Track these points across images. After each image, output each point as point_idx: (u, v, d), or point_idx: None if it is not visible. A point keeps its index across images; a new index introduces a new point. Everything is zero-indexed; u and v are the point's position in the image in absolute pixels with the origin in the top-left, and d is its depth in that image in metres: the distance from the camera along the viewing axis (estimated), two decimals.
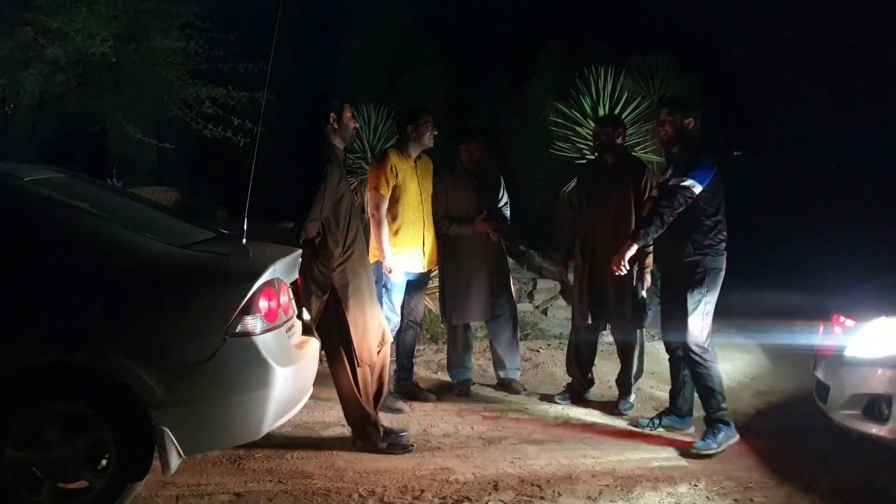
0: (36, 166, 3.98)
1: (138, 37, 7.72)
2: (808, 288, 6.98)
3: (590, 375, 5.39)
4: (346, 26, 13.69)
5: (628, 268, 4.63)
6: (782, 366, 5.97)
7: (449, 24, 12.87)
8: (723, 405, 4.44)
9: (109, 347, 3.26)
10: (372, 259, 4.90)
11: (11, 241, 3.36)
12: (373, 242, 5.00)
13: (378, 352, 4.42)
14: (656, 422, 4.79)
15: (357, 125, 4.41)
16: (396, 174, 4.98)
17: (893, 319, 4.03)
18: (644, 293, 5.11)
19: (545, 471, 4.14)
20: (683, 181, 4.32)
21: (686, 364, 4.56)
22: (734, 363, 6.13)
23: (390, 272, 4.98)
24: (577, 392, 5.34)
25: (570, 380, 5.42)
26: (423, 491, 3.85)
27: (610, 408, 5.17)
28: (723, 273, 4.48)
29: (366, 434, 4.34)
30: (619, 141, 5.14)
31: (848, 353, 4.20)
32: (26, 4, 7.24)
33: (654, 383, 5.80)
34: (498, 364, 5.58)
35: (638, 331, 5.21)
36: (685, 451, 4.40)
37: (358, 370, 4.29)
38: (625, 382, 5.23)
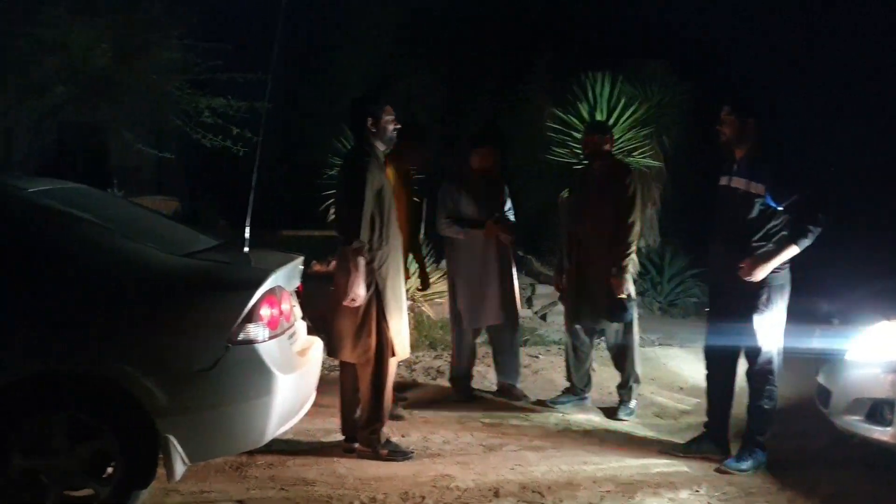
0: (38, 177, 3.99)
1: (137, 48, 7.75)
2: (810, 292, 7.01)
3: (578, 378, 5.38)
4: (341, 34, 13.73)
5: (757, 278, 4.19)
6: (784, 370, 5.97)
7: (444, 30, 12.91)
8: (768, 432, 4.29)
9: (113, 356, 3.27)
10: None
11: (14, 251, 3.37)
12: None
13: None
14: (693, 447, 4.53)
15: (398, 126, 4.43)
16: None
17: (894, 323, 4.05)
18: (630, 292, 5.12)
19: (546, 477, 4.15)
20: (808, 190, 4.11)
21: (751, 383, 4.30)
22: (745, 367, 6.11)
23: None
24: (576, 397, 5.36)
25: (567, 385, 5.44)
26: (423, 498, 3.85)
27: (610, 414, 5.18)
28: (789, 288, 4.23)
29: (369, 441, 4.35)
30: (606, 147, 5.19)
31: (849, 357, 4.22)
32: (26, 17, 7.27)
33: (655, 389, 5.83)
34: (498, 370, 5.60)
35: (631, 336, 5.20)
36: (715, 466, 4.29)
37: (390, 363, 4.32)
38: (623, 388, 5.24)
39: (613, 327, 5.19)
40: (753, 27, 12.57)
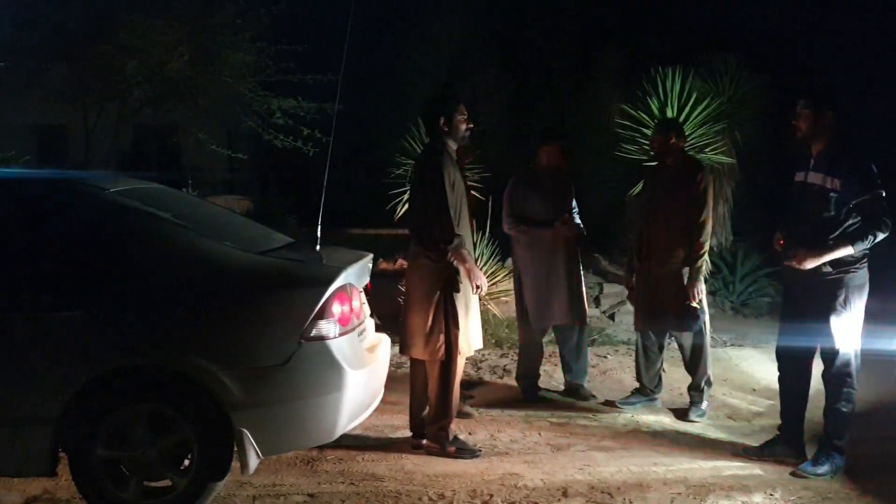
0: (119, 177, 4.15)
1: (211, 51, 7.96)
2: (890, 291, 6.75)
3: (648, 379, 5.31)
4: (409, 33, 13.83)
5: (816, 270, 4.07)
6: (863, 372, 5.77)
7: (511, 27, 12.88)
8: (846, 436, 4.16)
9: (191, 351, 3.38)
10: None
11: (99, 250, 3.52)
12: None
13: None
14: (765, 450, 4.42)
15: (471, 125, 4.46)
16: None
17: None
18: (701, 298, 5.03)
19: (615, 478, 4.11)
20: (880, 192, 3.96)
21: (828, 385, 4.17)
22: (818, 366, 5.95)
23: None
24: (646, 398, 5.29)
25: (637, 386, 5.38)
26: (492, 496, 3.86)
27: (681, 415, 5.10)
28: (867, 288, 4.09)
29: (437, 437, 4.38)
30: (673, 143, 5.09)
31: None
32: (107, 23, 7.54)
33: (727, 390, 5.70)
34: (566, 370, 5.56)
35: (702, 337, 5.10)
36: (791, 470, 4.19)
37: (457, 360, 4.35)
38: (694, 389, 5.15)
39: (684, 328, 5.08)
40: (829, 17, 12.14)
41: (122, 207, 3.59)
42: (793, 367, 4.32)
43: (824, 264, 4.02)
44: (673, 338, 5.42)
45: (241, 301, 3.46)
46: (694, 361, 5.12)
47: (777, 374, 4.44)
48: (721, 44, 8.97)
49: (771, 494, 3.91)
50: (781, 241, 4.21)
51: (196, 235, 3.57)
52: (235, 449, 3.45)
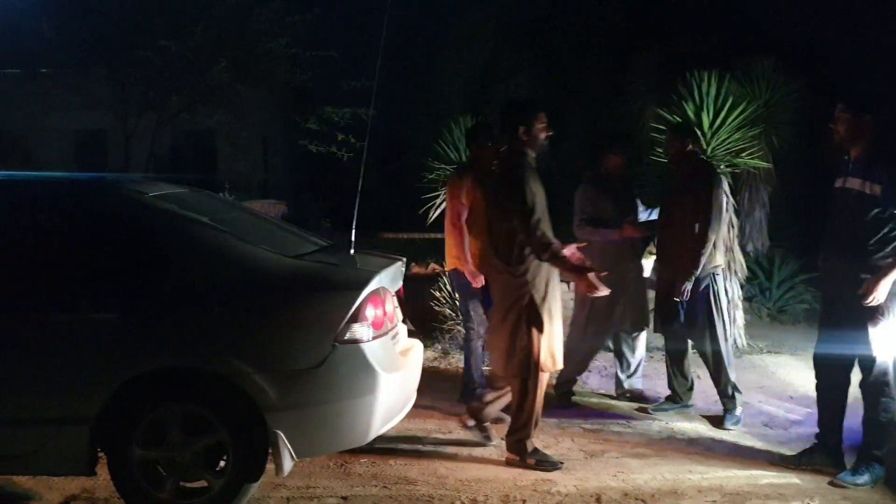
0: (158, 181, 4.22)
1: (248, 57, 8.06)
2: None
3: (679, 385, 5.27)
4: (441, 37, 13.86)
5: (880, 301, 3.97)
6: None
7: (544, 30, 12.84)
8: (885, 445, 4.08)
9: (228, 353, 3.42)
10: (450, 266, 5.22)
11: (137, 252, 3.58)
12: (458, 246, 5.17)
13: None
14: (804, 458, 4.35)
15: (550, 134, 4.41)
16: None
17: None
18: (722, 303, 4.98)
19: (649, 485, 4.07)
20: None
21: (866, 394, 4.10)
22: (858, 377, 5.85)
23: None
24: (678, 404, 5.25)
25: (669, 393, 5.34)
26: (524, 501, 3.85)
27: (716, 423, 5.03)
28: None
29: (516, 448, 4.34)
30: (689, 149, 5.08)
31: None
32: (147, 29, 7.67)
33: (763, 398, 5.62)
34: (626, 374, 5.61)
35: (718, 343, 5.00)
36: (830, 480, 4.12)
37: (540, 376, 4.28)
38: (723, 396, 5.08)
39: (699, 333, 5.03)
40: (866, 20, 11.93)
41: (160, 211, 3.65)
42: (830, 375, 4.25)
43: (861, 272, 3.94)
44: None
45: (276, 304, 3.50)
46: (715, 368, 5.06)
47: (814, 381, 4.37)
48: (758, 48, 8.85)
49: None
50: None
51: (232, 239, 3.62)
52: (270, 451, 3.48)
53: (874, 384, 4.03)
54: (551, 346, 4.29)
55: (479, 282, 5.11)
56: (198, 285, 3.52)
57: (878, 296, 3.90)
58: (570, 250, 4.33)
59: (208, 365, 3.45)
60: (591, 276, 4.20)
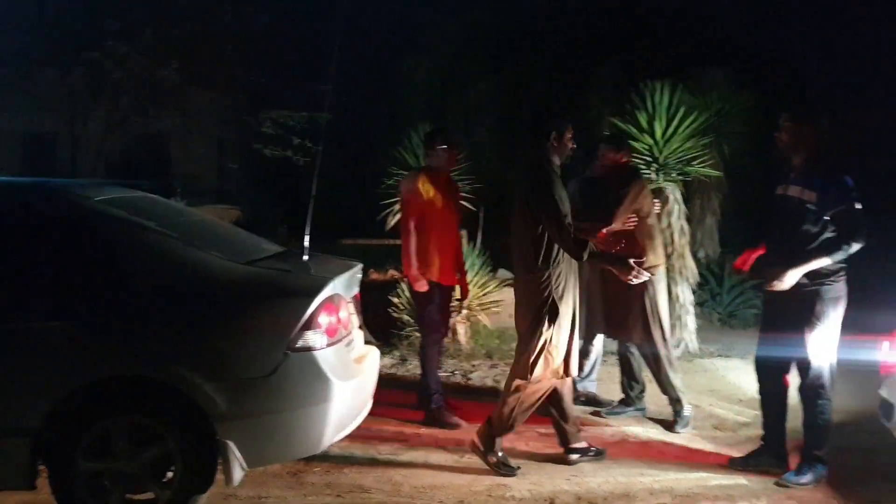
0: (105, 186, 4.13)
1: (201, 60, 7.96)
2: (872, 304, 6.79)
3: (631, 389, 5.35)
4: (402, 44, 13.86)
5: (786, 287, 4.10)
6: (846, 384, 5.77)
7: (504, 40, 12.91)
8: (825, 446, 4.19)
9: (176, 362, 3.36)
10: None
11: (82, 259, 3.50)
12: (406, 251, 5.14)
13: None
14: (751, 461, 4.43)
15: (574, 146, 4.48)
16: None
17: None
18: (660, 306, 5.04)
19: (602, 488, 4.11)
20: (855, 204, 4.00)
21: (803, 397, 4.22)
22: (798, 380, 5.98)
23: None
24: (630, 408, 5.33)
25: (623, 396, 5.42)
26: None
27: (668, 427, 5.11)
28: (844, 301, 4.13)
29: (486, 442, 4.33)
30: (624, 161, 5.24)
31: None
32: (96, 30, 7.53)
33: (714, 401, 5.72)
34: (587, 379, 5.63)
35: (655, 347, 5.05)
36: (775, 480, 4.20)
37: (536, 385, 4.28)
38: (670, 399, 5.14)
39: (637, 336, 5.10)
40: (817, 34, 12.27)
41: (106, 216, 3.57)
42: (770, 378, 4.37)
43: (802, 276, 4.05)
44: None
45: (226, 311, 3.45)
46: (654, 371, 5.14)
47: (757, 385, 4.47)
48: (710, 59, 9.05)
49: None
50: (745, 264, 4.36)
51: (182, 245, 3.56)
52: (220, 461, 3.42)
53: (811, 388, 4.15)
54: (561, 353, 4.29)
55: (422, 286, 5.11)
56: (145, 292, 3.46)
57: (784, 283, 4.01)
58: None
59: (156, 374, 3.39)
60: (633, 262, 4.32)
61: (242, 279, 3.54)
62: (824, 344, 4.10)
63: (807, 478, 4.14)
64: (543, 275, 4.22)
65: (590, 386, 5.66)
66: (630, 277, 4.32)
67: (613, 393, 5.68)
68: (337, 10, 4.37)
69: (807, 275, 4.05)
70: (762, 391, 4.43)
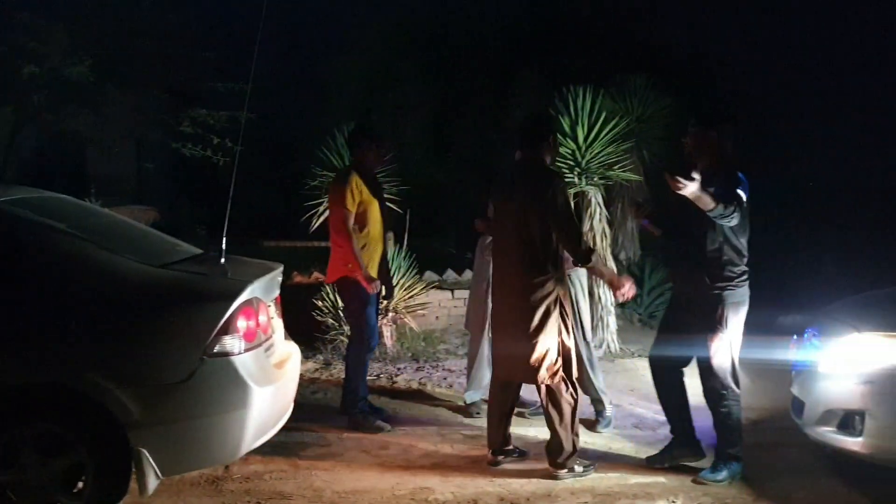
0: (12, 186, 3.97)
1: (116, 57, 7.71)
2: (784, 305, 7.07)
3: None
4: (330, 43, 13.74)
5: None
6: (759, 382, 6.01)
7: (433, 42, 12.94)
8: (739, 443, 4.30)
9: (86, 368, 3.25)
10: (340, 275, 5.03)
11: None
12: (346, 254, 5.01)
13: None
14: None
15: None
16: None
17: (865, 335, 4.10)
18: (580, 305, 5.10)
19: (525, 489, 4.15)
20: (737, 193, 4.06)
21: (709, 400, 4.32)
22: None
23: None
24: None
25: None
26: None
27: (590, 426, 5.18)
28: (746, 305, 4.24)
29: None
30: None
31: (822, 369, 4.26)
32: (5, 23, 7.22)
33: (634, 400, 5.84)
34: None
35: (580, 345, 5.06)
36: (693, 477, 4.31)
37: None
38: (591, 399, 5.22)
39: None
40: (735, 41, 12.71)
41: (11, 217, 3.43)
42: (664, 375, 4.48)
43: (705, 278, 4.17)
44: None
45: (139, 316, 3.35)
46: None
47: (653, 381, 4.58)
48: (632, 65, 9.25)
49: (673, 501, 4.02)
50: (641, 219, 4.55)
51: (93, 247, 3.44)
52: (134, 470, 3.31)
53: (713, 390, 4.26)
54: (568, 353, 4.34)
55: (376, 287, 5.04)
56: (54, 296, 3.33)
57: (686, 188, 3.92)
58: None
59: (66, 380, 3.26)
60: (625, 278, 4.45)
61: (157, 283, 3.44)
62: (726, 346, 4.21)
63: (722, 475, 4.25)
64: (550, 278, 4.24)
65: None
66: (620, 293, 4.39)
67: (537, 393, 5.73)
68: (259, 8, 4.26)
69: (710, 278, 4.17)
70: (658, 387, 4.55)
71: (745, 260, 4.27)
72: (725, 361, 4.22)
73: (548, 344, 4.24)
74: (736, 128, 4.41)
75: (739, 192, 4.08)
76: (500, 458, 4.49)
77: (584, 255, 4.25)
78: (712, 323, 4.19)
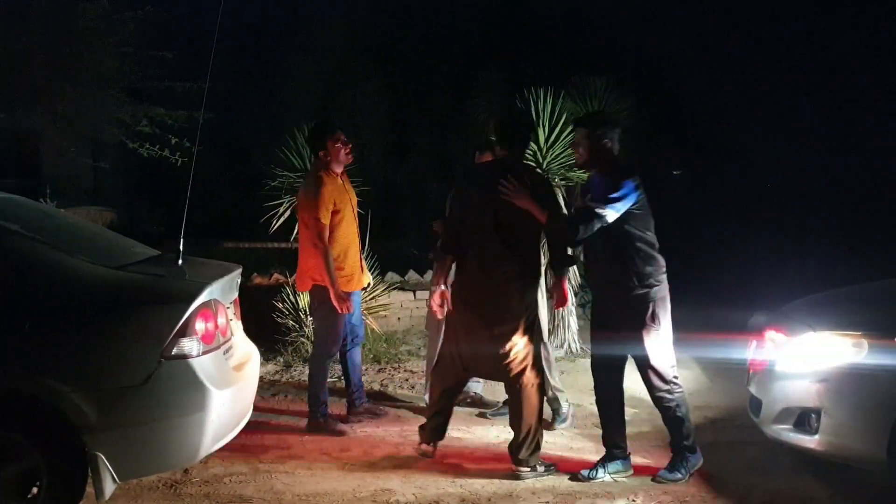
0: None
1: (71, 55, 7.55)
2: (741, 304, 7.19)
3: None
4: (288, 43, 13.66)
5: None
6: (718, 381, 6.12)
7: (392, 43, 12.93)
8: (691, 434, 4.34)
9: (41, 371, 3.18)
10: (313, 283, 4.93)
11: None
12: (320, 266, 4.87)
13: None
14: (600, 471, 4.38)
15: None
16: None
17: (821, 334, 4.17)
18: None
19: (486, 489, 4.16)
20: (601, 208, 4.09)
21: (655, 398, 4.32)
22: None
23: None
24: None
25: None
26: None
27: (548, 426, 5.20)
28: (668, 300, 4.27)
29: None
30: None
31: (778, 367, 4.33)
32: None
33: (593, 400, 5.86)
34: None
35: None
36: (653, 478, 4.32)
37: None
38: (547, 397, 5.25)
39: None
40: (694, 45, 12.93)
41: None
42: (609, 377, 4.42)
43: (631, 280, 4.17)
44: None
45: (96, 319, 3.29)
46: None
47: (639, 382, 4.60)
48: (592, 67, 9.33)
49: (633, 500, 4.07)
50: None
51: (47, 248, 3.37)
52: (90, 474, 3.25)
53: (658, 388, 4.27)
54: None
55: (350, 308, 4.91)
56: (7, 299, 3.25)
57: (515, 196, 4.09)
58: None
59: (18, 384, 3.19)
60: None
61: (113, 285, 3.38)
62: (663, 342, 4.24)
63: (680, 473, 4.30)
64: (535, 280, 4.29)
65: (475, 387, 5.71)
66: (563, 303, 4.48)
67: (499, 394, 5.75)
68: (216, 7, 4.21)
69: (637, 277, 4.17)
70: (598, 389, 4.48)
71: (658, 248, 4.26)
72: (664, 357, 4.24)
73: (524, 341, 4.27)
74: (617, 130, 4.37)
75: (598, 208, 4.10)
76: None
77: (571, 259, 4.32)
78: (645, 323, 4.18)
